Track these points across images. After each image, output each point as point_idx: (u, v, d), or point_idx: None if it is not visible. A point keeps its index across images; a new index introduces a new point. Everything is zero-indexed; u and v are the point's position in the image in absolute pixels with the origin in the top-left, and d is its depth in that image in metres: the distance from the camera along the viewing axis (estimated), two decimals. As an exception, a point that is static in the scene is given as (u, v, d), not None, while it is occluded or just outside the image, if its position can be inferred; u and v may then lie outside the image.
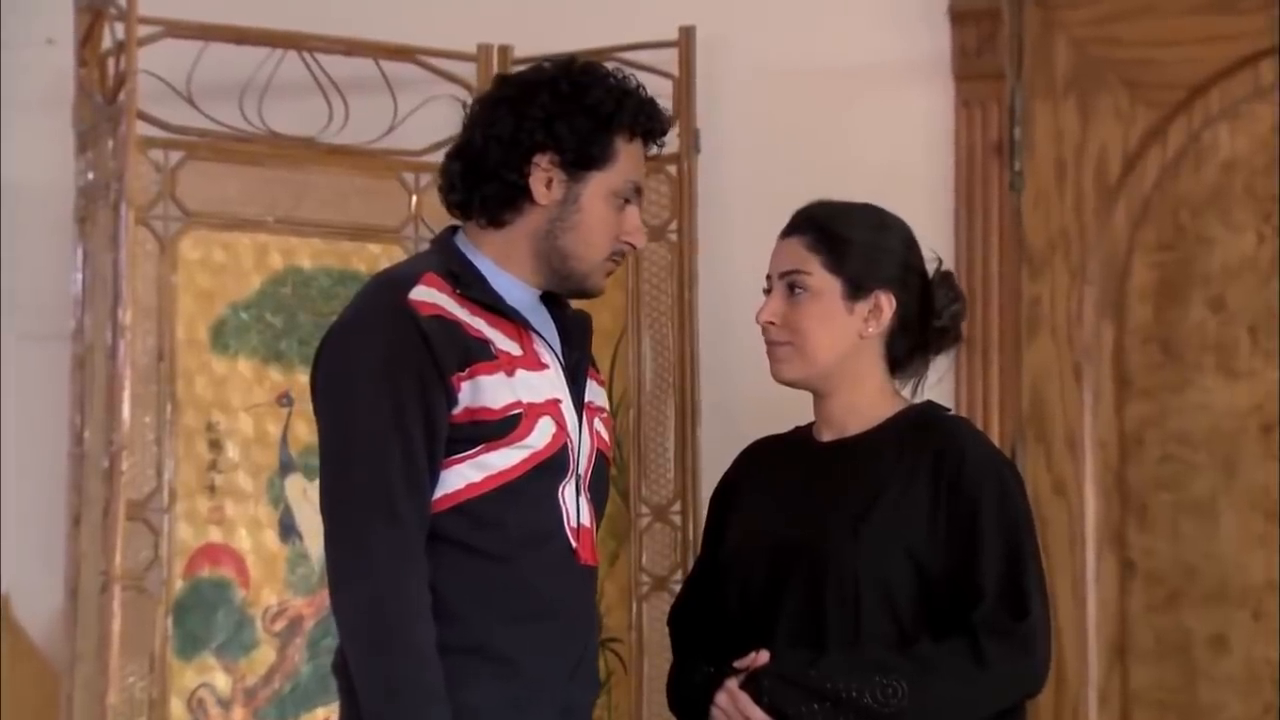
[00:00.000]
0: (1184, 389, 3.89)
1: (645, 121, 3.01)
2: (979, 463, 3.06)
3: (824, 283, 3.12)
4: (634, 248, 3.06)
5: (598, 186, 2.98)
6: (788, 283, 3.13)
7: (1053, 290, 3.95)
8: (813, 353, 3.14)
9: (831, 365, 3.15)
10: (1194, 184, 3.94)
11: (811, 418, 3.25)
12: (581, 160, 2.97)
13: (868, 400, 3.14)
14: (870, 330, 3.14)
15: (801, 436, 3.24)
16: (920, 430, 3.15)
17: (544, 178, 2.96)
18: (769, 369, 3.16)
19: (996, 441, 3.57)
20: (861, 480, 3.11)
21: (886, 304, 3.12)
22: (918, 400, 3.24)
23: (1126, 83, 3.90)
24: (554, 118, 2.97)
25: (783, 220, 3.23)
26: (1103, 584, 3.84)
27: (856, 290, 3.13)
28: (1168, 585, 3.83)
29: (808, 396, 3.25)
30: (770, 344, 3.15)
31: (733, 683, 3.05)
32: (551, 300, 3.05)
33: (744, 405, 3.61)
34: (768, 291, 3.17)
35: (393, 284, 2.95)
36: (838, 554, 3.05)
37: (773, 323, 3.14)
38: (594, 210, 2.99)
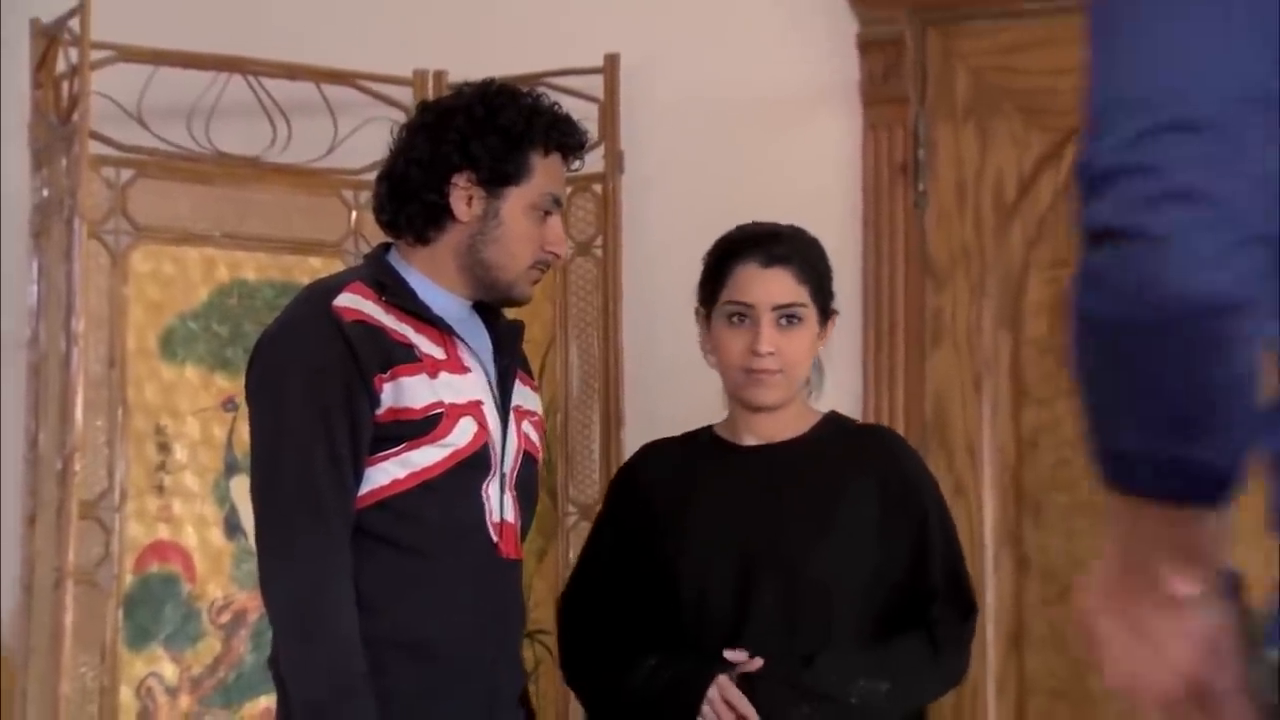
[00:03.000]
0: (1076, 396, 3.92)
1: (558, 137, 3.03)
2: (919, 474, 3.19)
3: (810, 313, 3.18)
4: (557, 257, 3.07)
5: (516, 201, 3.01)
6: (784, 314, 3.15)
7: (954, 304, 3.98)
8: (797, 378, 3.19)
9: (800, 386, 3.22)
10: (1085, 205, 3.90)
11: (698, 419, 3.28)
12: (498, 177, 2.99)
13: (795, 410, 3.21)
14: (819, 350, 3.23)
15: (711, 439, 3.26)
16: (853, 439, 3.26)
17: (464, 196, 2.99)
18: (741, 389, 3.17)
19: (903, 447, 3.53)
20: (814, 489, 3.18)
21: (832, 326, 3.22)
22: (821, 409, 3.25)
23: (1021, 109, 3.94)
24: (469, 139, 2.99)
25: (703, 237, 3.26)
26: (1000, 579, 3.88)
27: (824, 317, 3.21)
28: (1061, 580, 3.86)
29: (718, 402, 3.26)
30: (761, 371, 3.14)
31: (725, 678, 3.07)
32: (486, 311, 3.05)
33: (665, 411, 3.59)
34: (741, 317, 3.15)
35: (320, 292, 2.98)
36: (808, 562, 3.12)
37: (772, 353, 3.14)
38: (514, 223, 3.01)
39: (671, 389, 3.63)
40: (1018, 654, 3.89)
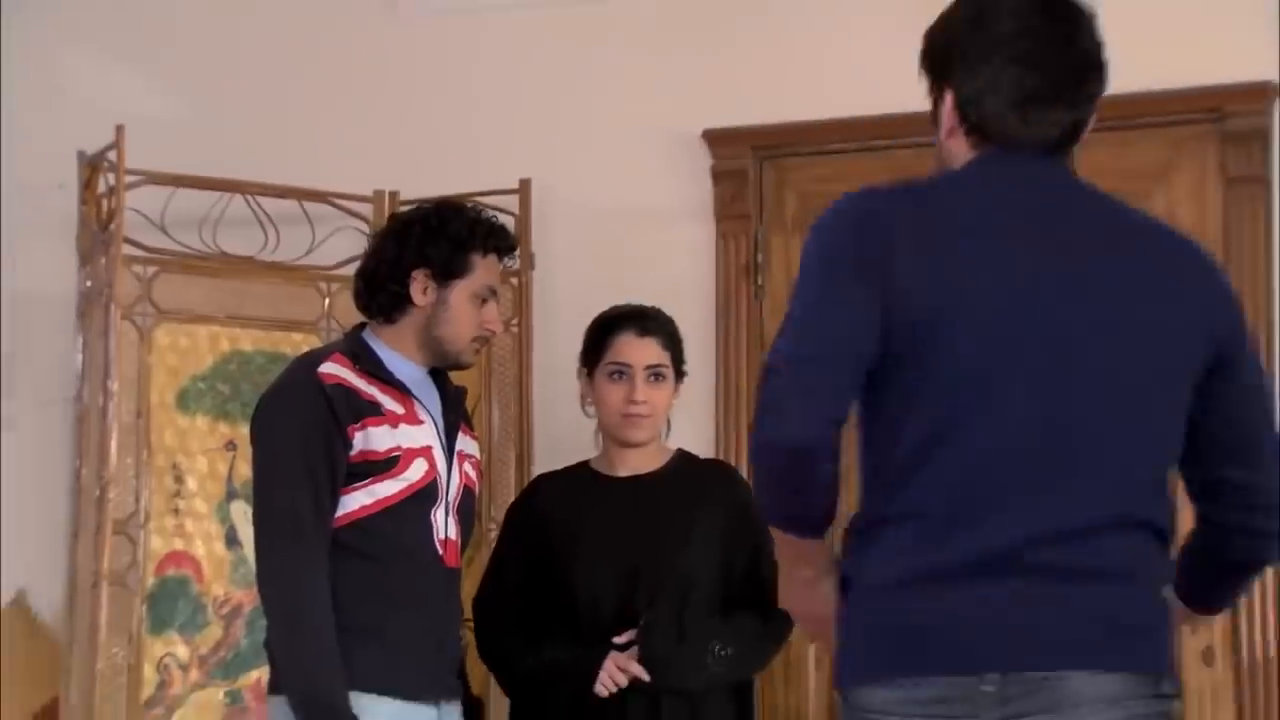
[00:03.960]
0: None
1: (494, 241, 3.11)
2: (749, 499, 3.24)
3: (670, 373, 3.35)
4: (494, 333, 3.14)
5: (461, 291, 3.08)
6: (653, 373, 3.30)
7: None
8: (660, 421, 3.35)
9: (661, 429, 3.38)
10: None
11: (581, 458, 3.42)
12: (446, 272, 3.06)
13: (655, 448, 3.38)
14: (674, 400, 3.39)
15: (589, 473, 3.36)
16: (701, 470, 3.40)
17: (420, 287, 3.06)
18: (619, 431, 3.28)
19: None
20: (674, 510, 3.29)
21: (681, 384, 3.40)
22: (670, 445, 3.43)
23: None
24: (425, 243, 3.07)
25: (592, 316, 3.39)
26: None
27: (679, 376, 3.39)
28: None
29: (590, 440, 3.40)
30: (635, 416, 3.28)
31: (615, 652, 3.17)
32: (438, 376, 3.13)
33: (562, 451, 3.61)
34: (620, 375, 3.28)
35: (308, 362, 3.06)
36: (674, 567, 3.25)
37: (645, 401, 3.29)
38: (459, 308, 3.08)
39: (567, 434, 3.66)
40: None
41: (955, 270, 2.10)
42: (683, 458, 3.40)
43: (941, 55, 2.22)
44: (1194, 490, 2.27)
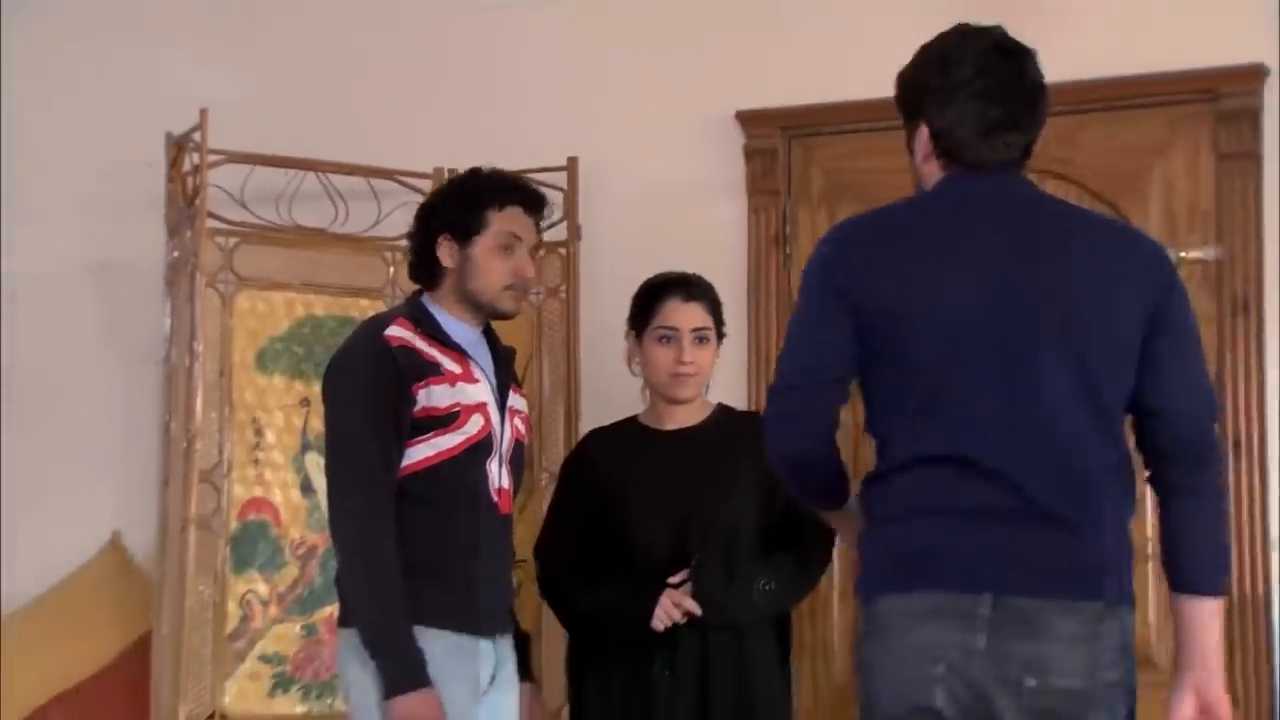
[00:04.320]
0: None
1: (505, 196, 3.08)
2: None
3: (712, 335, 3.37)
4: (527, 278, 3.12)
5: (483, 246, 3.07)
6: (698, 335, 3.32)
7: None
8: (705, 379, 3.37)
9: (704, 385, 3.40)
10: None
11: (629, 413, 3.46)
12: (465, 232, 3.07)
13: (699, 403, 3.41)
14: (716, 359, 3.40)
15: (638, 427, 3.39)
16: (740, 423, 3.39)
17: (446, 251, 3.08)
18: (668, 389, 3.29)
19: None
20: (718, 461, 3.30)
21: (721, 344, 3.42)
22: (710, 400, 3.46)
23: (856, 197, 3.93)
24: (441, 211, 3.11)
25: (637, 284, 3.42)
26: None
27: (720, 337, 3.40)
28: None
29: (631, 397, 3.46)
30: (683, 376, 3.30)
31: (670, 590, 3.20)
32: (490, 339, 3.15)
33: (606, 406, 3.67)
34: (668, 338, 3.29)
35: (374, 325, 3.09)
36: (719, 513, 3.26)
37: (692, 362, 3.32)
38: (484, 261, 3.07)
39: (611, 391, 3.69)
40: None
41: (931, 265, 2.42)
42: (723, 411, 3.43)
43: (914, 96, 2.53)
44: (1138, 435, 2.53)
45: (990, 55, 2.47)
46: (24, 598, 4.33)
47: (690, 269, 3.47)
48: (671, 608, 3.19)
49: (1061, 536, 2.36)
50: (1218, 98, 3.79)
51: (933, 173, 2.52)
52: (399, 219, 4.00)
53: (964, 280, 2.40)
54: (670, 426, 3.35)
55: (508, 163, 3.64)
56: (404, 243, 3.83)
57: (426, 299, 3.14)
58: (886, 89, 3.74)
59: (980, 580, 2.34)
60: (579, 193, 4.07)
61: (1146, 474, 2.51)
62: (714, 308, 3.39)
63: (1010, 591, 2.33)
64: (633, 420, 3.43)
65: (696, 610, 3.18)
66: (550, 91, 4.25)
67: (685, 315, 3.31)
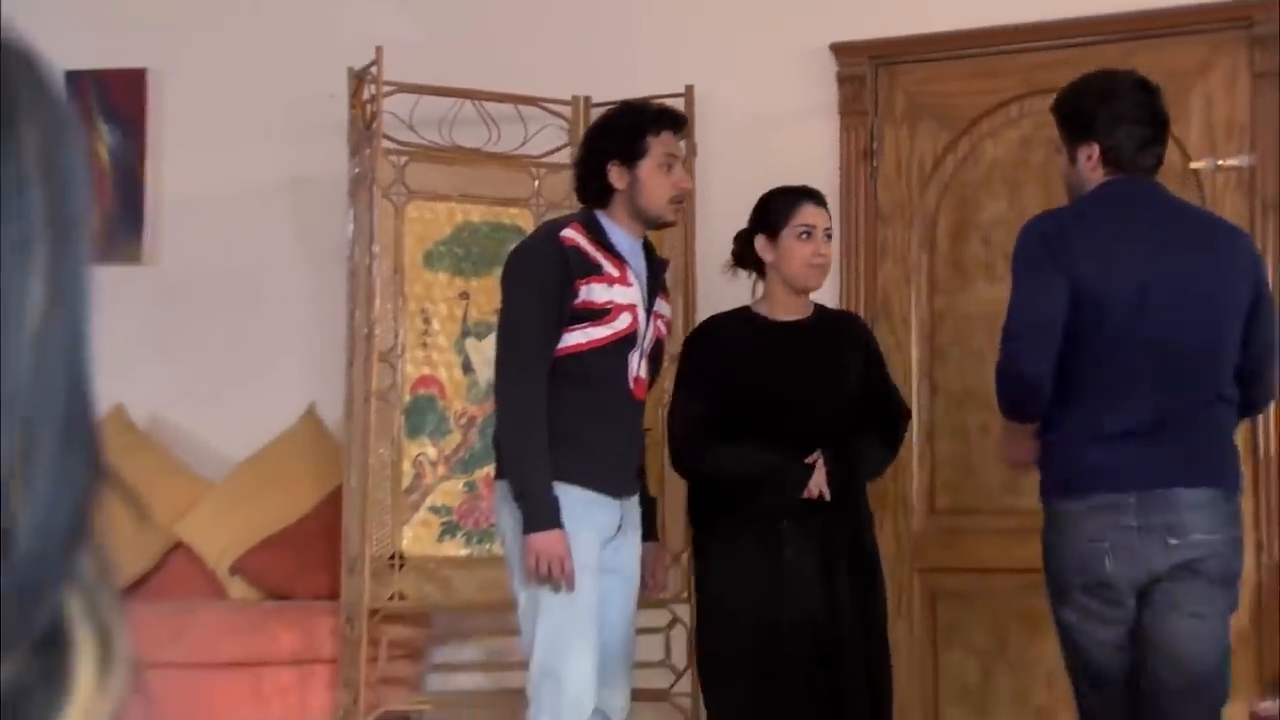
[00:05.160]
0: (968, 289, 4.05)
1: (659, 123, 3.20)
2: (875, 341, 3.51)
3: (833, 235, 3.47)
4: (686, 189, 3.24)
5: (647, 167, 3.15)
6: (827, 233, 3.39)
7: (894, 234, 4.12)
8: (829, 272, 3.44)
9: None
10: (972, 175, 4.07)
11: (734, 305, 3.53)
12: (631, 157, 3.17)
13: (807, 298, 3.46)
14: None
15: (752, 314, 3.42)
16: (837, 319, 3.52)
17: (616, 174, 3.17)
18: (804, 279, 3.30)
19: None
20: (824, 351, 3.36)
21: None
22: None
23: (935, 117, 4.10)
24: (609, 140, 3.20)
25: (745, 197, 3.46)
26: (920, 398, 3.98)
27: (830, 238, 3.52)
28: (957, 397, 3.95)
29: (734, 294, 3.55)
30: (817, 266, 3.34)
31: (820, 463, 3.27)
32: (646, 249, 3.25)
33: (716, 300, 3.69)
34: (807, 235, 3.31)
35: (554, 225, 3.23)
36: (828, 398, 3.31)
37: (826, 254, 3.37)
38: (651, 181, 3.15)
39: (719, 287, 3.69)
40: (930, 443, 4.13)
41: (1111, 254, 2.95)
42: (820, 308, 3.53)
43: (1083, 120, 3.08)
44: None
45: (1137, 90, 3.04)
46: (238, 459, 4.52)
47: (789, 180, 3.51)
48: (822, 482, 3.25)
49: (1181, 447, 2.91)
50: (1252, 24, 3.97)
51: (1096, 178, 3.04)
52: (542, 139, 4.23)
53: (1139, 251, 2.94)
54: (781, 317, 3.41)
55: (634, 91, 3.79)
56: (547, 160, 4.18)
57: (597, 212, 3.23)
58: (960, 22, 4.15)
59: (1125, 483, 2.89)
60: (695, 117, 4.12)
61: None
62: (827, 210, 3.48)
63: (1148, 488, 2.88)
64: (746, 309, 3.50)
65: (827, 495, 3.26)
66: (669, 28, 4.39)
67: (819, 216, 3.41)
